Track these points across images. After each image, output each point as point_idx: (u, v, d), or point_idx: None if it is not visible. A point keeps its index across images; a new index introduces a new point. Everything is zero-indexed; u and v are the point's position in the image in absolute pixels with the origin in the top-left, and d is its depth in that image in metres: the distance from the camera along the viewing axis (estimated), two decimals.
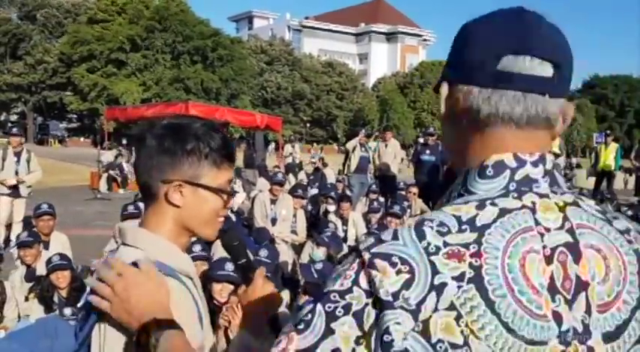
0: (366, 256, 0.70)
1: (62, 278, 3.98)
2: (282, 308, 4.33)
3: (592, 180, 14.11)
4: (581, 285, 0.72)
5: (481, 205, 0.74)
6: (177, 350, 0.97)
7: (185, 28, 38.04)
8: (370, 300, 0.69)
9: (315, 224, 7.08)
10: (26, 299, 4.42)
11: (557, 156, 7.97)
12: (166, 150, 1.13)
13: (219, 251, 4.44)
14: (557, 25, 0.80)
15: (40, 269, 4.61)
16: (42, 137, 41.28)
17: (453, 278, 0.69)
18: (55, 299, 4.02)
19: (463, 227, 0.72)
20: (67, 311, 3.84)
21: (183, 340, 1.00)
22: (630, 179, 17.09)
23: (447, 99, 0.83)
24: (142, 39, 37.47)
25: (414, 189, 8.55)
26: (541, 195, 0.75)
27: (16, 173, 7.54)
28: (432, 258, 0.69)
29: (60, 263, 3.97)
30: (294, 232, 6.86)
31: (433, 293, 0.68)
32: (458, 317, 0.68)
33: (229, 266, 3.53)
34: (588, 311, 0.72)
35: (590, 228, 0.75)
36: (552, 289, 0.71)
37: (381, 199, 8.94)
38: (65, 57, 38.61)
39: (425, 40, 79.06)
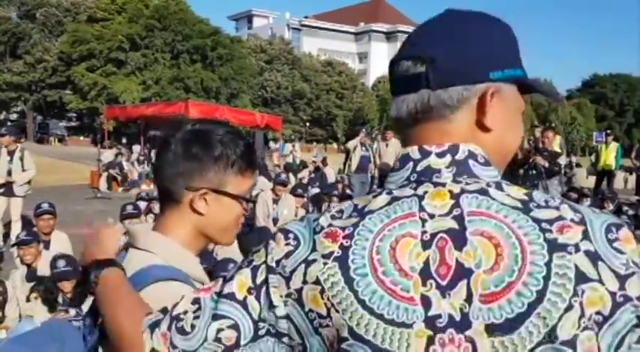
0: (277, 229, 0.84)
1: (67, 284, 3.96)
2: None
3: (592, 179, 14.11)
4: (463, 272, 0.70)
5: (378, 194, 0.79)
6: (115, 286, 0.97)
7: (185, 27, 38.00)
8: (265, 261, 0.80)
9: None
10: (27, 299, 4.41)
11: (557, 154, 7.95)
12: (193, 156, 1.11)
13: (223, 250, 4.43)
14: (463, 16, 0.84)
15: (41, 269, 4.60)
16: (42, 136, 41.25)
17: (323, 256, 0.75)
18: (59, 299, 4.00)
19: (353, 213, 0.78)
20: (72, 312, 3.82)
21: (121, 276, 1.01)
22: (630, 178, 17.09)
23: None
24: (142, 38, 37.42)
25: None
26: (437, 184, 0.76)
27: (9, 172, 7.47)
28: (315, 236, 0.77)
29: (65, 270, 3.91)
30: None
31: (302, 266, 0.76)
32: (322, 291, 0.74)
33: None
34: (469, 299, 0.69)
35: (488, 215, 0.72)
36: (425, 273, 0.71)
37: None
38: (65, 56, 38.54)
39: None
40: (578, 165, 20.88)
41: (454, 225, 0.72)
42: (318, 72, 52.12)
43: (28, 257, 4.59)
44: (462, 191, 0.75)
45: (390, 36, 75.92)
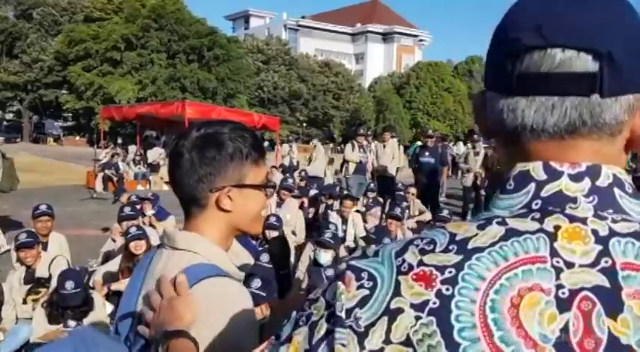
0: (343, 266, 0.63)
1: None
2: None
3: None
4: (619, 350, 0.52)
5: (486, 224, 0.59)
6: None
7: (181, 27, 37.91)
8: (327, 313, 0.60)
9: (315, 225, 7.08)
10: (24, 301, 4.39)
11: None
12: (210, 159, 1.14)
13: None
14: None
15: (40, 271, 4.58)
16: (38, 136, 41.14)
17: (412, 305, 0.56)
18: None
19: (451, 246, 0.58)
20: (72, 323, 3.80)
21: (188, 347, 0.97)
22: None
23: (483, 109, 0.68)
24: (138, 38, 37.33)
25: (413, 190, 8.56)
26: (573, 219, 0.57)
27: None
28: (400, 277, 0.58)
29: (74, 293, 3.83)
30: (292, 233, 6.85)
31: (385, 319, 0.56)
32: None
33: (256, 283, 3.48)
34: None
35: None
36: (561, 346, 0.52)
37: (380, 199, 8.96)
38: (61, 55, 38.43)
39: (421, 40, 79.14)
40: None
41: (603, 281, 0.54)
42: (315, 72, 52.12)
43: (30, 259, 4.56)
44: (611, 232, 0.56)
45: (386, 37, 76.00)
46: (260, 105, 47.18)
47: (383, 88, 54.71)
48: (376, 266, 0.60)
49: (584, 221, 0.57)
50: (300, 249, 6.28)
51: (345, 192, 8.67)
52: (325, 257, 4.61)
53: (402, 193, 8.46)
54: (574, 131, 0.60)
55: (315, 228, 7.47)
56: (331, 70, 53.34)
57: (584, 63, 0.58)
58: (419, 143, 10.83)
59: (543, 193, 0.60)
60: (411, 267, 0.58)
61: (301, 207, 7.69)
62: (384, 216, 7.54)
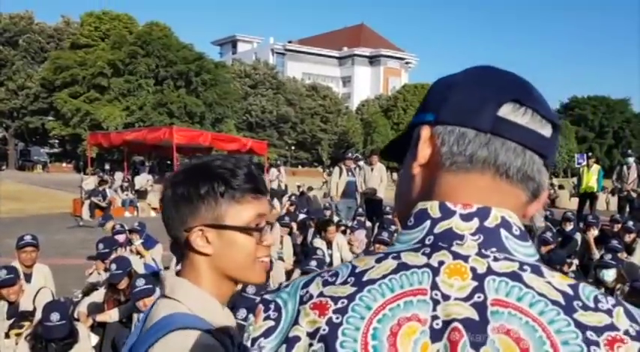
0: (257, 300, 0.68)
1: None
2: None
3: (575, 200, 14.26)
4: None
5: (383, 257, 0.63)
6: None
7: (168, 53, 38.12)
8: (239, 343, 0.65)
9: (304, 250, 7.04)
10: (7, 335, 4.29)
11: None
12: (181, 197, 1.07)
13: None
14: None
15: (24, 304, 4.48)
16: (24, 163, 40.86)
17: (308, 333, 0.60)
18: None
19: (349, 279, 0.62)
20: None
21: None
22: (612, 200, 17.27)
23: (426, 142, 0.70)
24: (125, 64, 37.45)
25: None
26: (457, 256, 0.61)
27: None
28: (301, 306, 0.62)
29: (59, 325, 3.73)
30: (280, 259, 6.80)
31: (284, 347, 0.61)
32: None
33: (242, 314, 3.40)
34: None
35: (518, 309, 0.58)
36: None
37: (368, 223, 8.94)
38: (47, 82, 38.44)
39: (407, 63, 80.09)
40: (561, 187, 21.08)
41: (474, 314, 0.58)
42: (302, 96, 52.46)
43: (12, 296, 4.47)
44: (489, 270, 0.60)
45: (372, 60, 76.83)
46: (248, 130, 47.30)
47: (370, 110, 55.13)
48: (284, 297, 0.65)
49: (466, 258, 0.61)
50: (289, 274, 6.25)
51: (335, 216, 8.65)
52: None
53: (390, 217, 8.44)
54: (522, 180, 0.67)
55: (303, 253, 7.43)
56: (319, 93, 53.73)
57: (545, 129, 0.68)
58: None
59: (436, 230, 0.64)
60: (311, 297, 0.62)
61: (290, 233, 7.65)
62: (371, 239, 7.51)
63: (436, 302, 0.58)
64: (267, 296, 0.67)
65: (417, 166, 0.69)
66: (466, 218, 0.64)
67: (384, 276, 0.61)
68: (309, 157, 53.24)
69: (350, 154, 10.92)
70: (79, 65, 36.88)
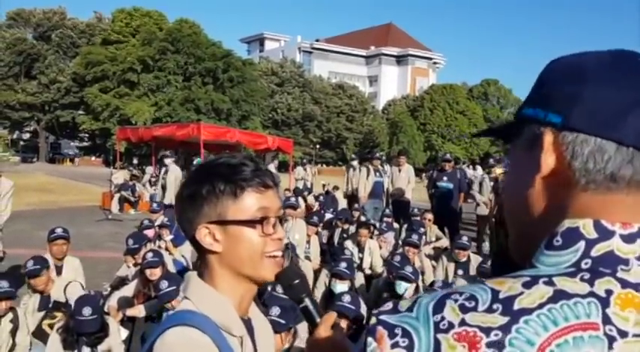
0: (373, 321, 0.60)
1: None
2: (300, 344, 4.18)
3: None
4: None
5: (532, 282, 0.55)
6: None
7: (197, 50, 38.41)
8: None
9: (331, 250, 7.00)
10: (40, 325, 4.34)
11: None
12: (188, 198, 1.08)
13: None
14: None
15: (55, 295, 4.54)
16: (54, 156, 41.63)
17: None
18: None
19: (495, 306, 0.54)
20: (86, 350, 3.75)
21: None
22: None
23: (550, 151, 0.61)
24: (155, 60, 37.86)
25: (430, 216, 8.44)
26: (625, 284, 0.54)
27: None
28: (440, 335, 0.54)
29: (91, 319, 3.76)
30: (307, 258, 6.77)
31: None
32: None
33: (275, 311, 3.38)
34: None
35: None
36: None
37: (394, 224, 8.86)
38: (78, 77, 39.08)
39: (435, 63, 79.45)
40: None
41: None
42: (328, 94, 52.42)
43: (40, 286, 4.53)
44: None
45: (400, 59, 76.40)
46: (274, 127, 47.44)
47: (397, 110, 54.83)
48: (411, 322, 0.57)
49: (637, 287, 0.54)
50: (315, 273, 6.21)
51: (362, 217, 8.59)
52: (341, 287, 4.52)
53: (418, 219, 8.35)
54: None
55: (330, 252, 7.39)
56: (345, 92, 53.62)
57: None
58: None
59: (594, 252, 0.56)
60: (451, 325, 0.54)
61: (317, 232, 7.62)
62: (400, 242, 7.44)
63: (612, 339, 0.51)
64: (385, 319, 0.58)
65: (539, 179, 0.61)
66: (628, 239, 0.56)
67: (541, 305, 0.53)
68: (334, 156, 53.18)
69: (378, 154, 10.85)
70: (110, 60, 37.41)
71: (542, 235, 0.60)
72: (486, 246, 9.52)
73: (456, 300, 0.56)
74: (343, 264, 4.73)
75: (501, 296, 0.55)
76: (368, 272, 6.66)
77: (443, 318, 0.55)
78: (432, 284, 4.48)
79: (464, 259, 6.31)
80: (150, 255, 4.80)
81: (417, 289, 4.81)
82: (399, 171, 10.21)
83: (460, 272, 6.24)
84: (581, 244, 0.57)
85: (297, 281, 1.12)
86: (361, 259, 6.67)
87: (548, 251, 0.59)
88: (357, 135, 52.67)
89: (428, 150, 51.22)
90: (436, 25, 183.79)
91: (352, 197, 10.84)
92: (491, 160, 10.77)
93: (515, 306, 0.54)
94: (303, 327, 4.41)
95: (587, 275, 0.55)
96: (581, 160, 0.58)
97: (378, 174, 10.23)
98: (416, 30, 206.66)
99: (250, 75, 42.30)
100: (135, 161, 26.28)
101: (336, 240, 7.76)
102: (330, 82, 56.92)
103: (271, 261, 1.08)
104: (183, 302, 1.09)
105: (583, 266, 0.56)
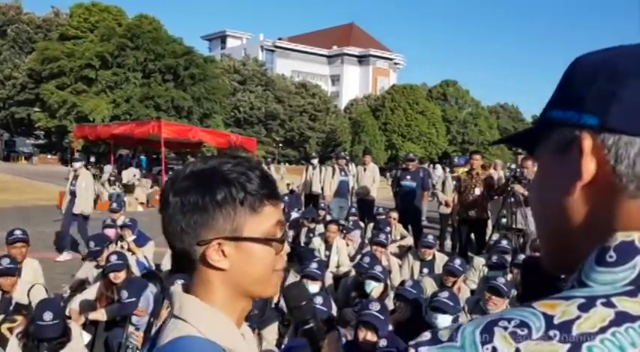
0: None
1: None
2: (270, 346, 4.13)
3: None
4: None
5: (588, 304, 0.51)
6: None
7: (157, 46, 37.73)
8: None
9: (297, 250, 6.95)
10: None
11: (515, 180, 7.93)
12: (194, 206, 0.94)
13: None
14: None
15: (18, 297, 4.39)
16: (9, 153, 40.35)
17: None
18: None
19: (551, 332, 0.50)
20: None
21: None
22: None
23: (589, 156, 0.56)
24: (114, 56, 37.04)
25: (395, 214, 8.52)
26: None
27: None
28: None
29: (52, 324, 3.62)
30: None
31: None
32: None
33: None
34: None
35: None
36: None
37: (360, 223, 8.91)
38: (34, 73, 37.89)
39: (396, 63, 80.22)
40: None
41: None
42: (291, 93, 52.33)
43: (8, 286, 4.38)
44: None
45: (362, 59, 76.85)
46: (236, 126, 47.08)
47: (359, 109, 55.14)
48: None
49: None
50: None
51: (328, 216, 8.59)
52: (313, 288, 4.47)
53: (383, 217, 8.40)
54: None
55: (295, 252, 7.35)
56: (308, 91, 53.63)
57: None
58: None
59: None
60: None
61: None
62: (366, 241, 7.47)
63: None
64: (425, 350, 0.53)
65: (580, 186, 0.57)
66: None
67: (603, 329, 0.49)
68: (297, 155, 53.13)
69: (343, 154, 10.89)
70: (67, 56, 36.40)
71: (585, 246, 0.56)
72: (448, 244, 9.64)
73: (505, 328, 0.51)
74: (314, 265, 4.70)
75: (556, 321, 0.51)
76: (334, 270, 6.66)
77: (494, 349, 0.50)
78: (403, 283, 4.48)
79: (429, 257, 6.38)
80: (114, 257, 4.68)
81: (385, 288, 4.84)
82: (365, 170, 10.28)
83: (425, 270, 6.30)
84: (638, 260, 0.53)
85: (304, 303, 1.08)
86: (328, 257, 6.66)
87: (600, 267, 0.54)
88: (319, 134, 52.74)
89: (389, 149, 51.66)
90: (397, 26, 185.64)
91: (311, 196, 10.85)
92: (455, 159, 10.95)
93: (574, 332, 0.49)
94: (270, 330, 4.38)
95: None
96: (628, 164, 0.54)
97: (343, 173, 10.27)
98: (377, 30, 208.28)
99: (212, 72, 41.82)
100: (92, 159, 25.70)
101: (302, 239, 7.74)
102: (293, 80, 56.83)
103: (278, 277, 1.02)
104: (180, 325, 0.95)
105: None
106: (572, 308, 0.51)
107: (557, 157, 0.59)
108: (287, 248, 1.05)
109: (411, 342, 0.56)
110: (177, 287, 1.00)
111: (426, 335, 0.55)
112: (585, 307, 0.51)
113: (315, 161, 11.52)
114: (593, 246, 0.56)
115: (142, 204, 15.98)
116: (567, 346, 0.48)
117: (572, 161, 0.57)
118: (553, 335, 0.49)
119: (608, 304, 0.51)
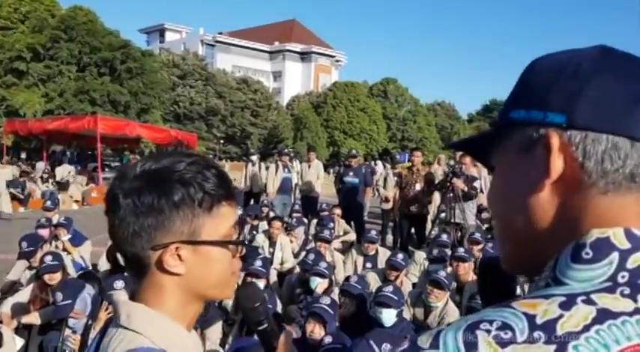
0: None
1: None
2: (214, 346, 4.07)
3: None
4: None
5: (569, 302, 0.51)
6: None
7: (92, 39, 36.45)
8: None
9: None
10: None
11: (474, 178, 8.24)
12: (149, 208, 0.88)
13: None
14: None
15: None
16: None
17: None
18: None
19: (536, 334, 0.49)
20: None
21: None
22: None
23: (557, 153, 0.57)
24: (46, 48, 35.53)
25: (338, 210, 8.59)
26: None
27: None
28: None
29: None
30: None
31: None
32: None
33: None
34: None
35: None
36: None
37: (304, 219, 8.93)
38: None
39: (337, 60, 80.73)
40: None
41: None
42: (232, 89, 51.75)
43: None
44: None
45: (304, 56, 76.90)
46: (175, 121, 46.16)
47: (301, 106, 55.18)
48: None
49: None
50: None
51: (271, 213, 8.55)
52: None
53: (327, 213, 8.45)
54: None
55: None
56: (249, 87, 53.18)
57: None
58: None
59: (629, 264, 0.52)
60: None
61: None
62: (310, 237, 7.48)
63: None
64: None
65: (549, 184, 0.57)
66: None
67: (587, 328, 0.49)
68: (239, 151, 52.66)
69: (286, 151, 10.88)
70: None
71: (554, 245, 0.57)
72: (389, 238, 9.80)
73: (488, 331, 0.50)
74: (258, 263, 4.67)
75: (539, 321, 0.50)
76: (278, 267, 6.64)
77: None
78: (348, 279, 4.51)
79: (372, 252, 6.47)
80: (49, 258, 4.49)
81: (330, 284, 4.86)
82: (309, 166, 10.29)
83: (369, 265, 6.39)
84: (615, 256, 0.53)
85: (258, 304, 1.05)
86: (272, 254, 6.63)
87: (577, 264, 0.54)
88: (261, 130, 52.43)
89: (331, 145, 51.97)
90: (338, 24, 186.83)
91: (251, 193, 10.79)
92: (397, 156, 11.15)
93: (559, 332, 0.49)
94: (214, 330, 4.31)
95: (627, 290, 0.51)
96: (596, 160, 0.55)
97: (286, 169, 10.25)
98: (319, 27, 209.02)
99: (150, 66, 40.75)
100: (23, 156, 24.60)
101: (245, 236, 7.67)
102: (234, 76, 56.21)
103: (235, 279, 0.99)
104: (130, 336, 0.89)
105: (620, 280, 0.52)
106: (554, 307, 0.51)
107: (521, 157, 0.59)
108: (242, 249, 1.02)
109: None
110: (120, 295, 0.93)
111: (405, 343, 0.54)
112: (566, 305, 0.51)
113: (255, 157, 11.41)
114: (562, 244, 0.56)
115: (76, 202, 15.44)
116: (553, 347, 0.48)
117: (537, 159, 0.57)
118: (538, 337, 0.49)
119: (589, 301, 0.51)
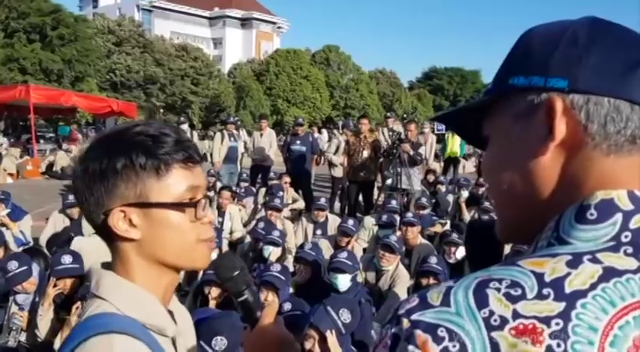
0: (405, 324, 0.52)
1: None
2: None
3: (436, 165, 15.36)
4: None
5: (576, 261, 0.52)
6: None
7: (20, 3, 34.49)
8: None
9: None
10: None
11: (419, 145, 8.40)
12: (94, 175, 0.90)
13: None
14: None
15: None
16: None
17: None
18: None
19: (545, 291, 0.50)
20: None
21: None
22: (468, 164, 18.84)
23: (561, 116, 0.58)
24: None
25: (287, 179, 8.59)
26: None
27: None
28: (495, 334, 0.49)
29: None
30: None
31: None
32: None
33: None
34: None
35: None
36: None
37: (252, 189, 8.88)
38: None
39: (279, 27, 79.55)
40: None
41: None
42: (171, 56, 50.24)
43: None
44: None
45: (244, 22, 75.36)
46: (112, 90, 44.55)
47: (243, 74, 54.31)
48: (454, 319, 0.51)
49: None
50: None
51: (218, 183, 8.46)
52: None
53: (275, 182, 8.43)
54: None
55: None
56: (189, 54, 51.76)
57: None
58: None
59: (632, 225, 0.55)
60: (504, 320, 0.49)
61: None
62: (259, 206, 7.46)
63: None
64: (420, 318, 0.51)
65: (552, 147, 0.58)
66: None
67: (594, 286, 0.50)
68: (179, 120, 51.55)
69: (232, 119, 10.72)
70: None
71: (554, 209, 0.58)
72: (337, 205, 9.89)
73: (498, 289, 0.51)
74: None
75: (547, 279, 0.51)
76: (227, 237, 6.61)
77: (492, 313, 0.50)
78: (302, 246, 4.55)
79: (322, 219, 6.54)
80: None
81: (283, 252, 4.89)
82: (261, 135, 10.18)
83: (319, 232, 6.47)
84: (619, 216, 0.55)
85: (237, 273, 1.01)
86: (221, 224, 6.59)
87: (581, 224, 0.56)
88: (203, 99, 51.34)
89: (274, 114, 51.56)
90: None
91: None
92: (350, 123, 11.17)
93: (567, 289, 0.50)
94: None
95: (630, 249, 0.53)
96: (599, 122, 0.57)
97: (232, 138, 10.12)
98: None
99: (84, 33, 38.97)
100: None
101: None
102: (173, 43, 54.54)
103: (205, 247, 0.97)
104: (96, 303, 0.90)
105: (623, 239, 0.54)
106: (561, 265, 0.52)
107: (520, 123, 0.60)
108: (210, 215, 0.98)
109: (400, 311, 0.54)
110: (94, 264, 0.94)
111: (414, 300, 0.54)
112: (573, 264, 0.52)
113: (185, 126, 11.40)
114: (562, 207, 0.58)
115: (10, 175, 14.78)
116: (563, 304, 0.50)
117: (538, 124, 0.59)
118: (547, 294, 0.50)
119: (594, 260, 0.52)
